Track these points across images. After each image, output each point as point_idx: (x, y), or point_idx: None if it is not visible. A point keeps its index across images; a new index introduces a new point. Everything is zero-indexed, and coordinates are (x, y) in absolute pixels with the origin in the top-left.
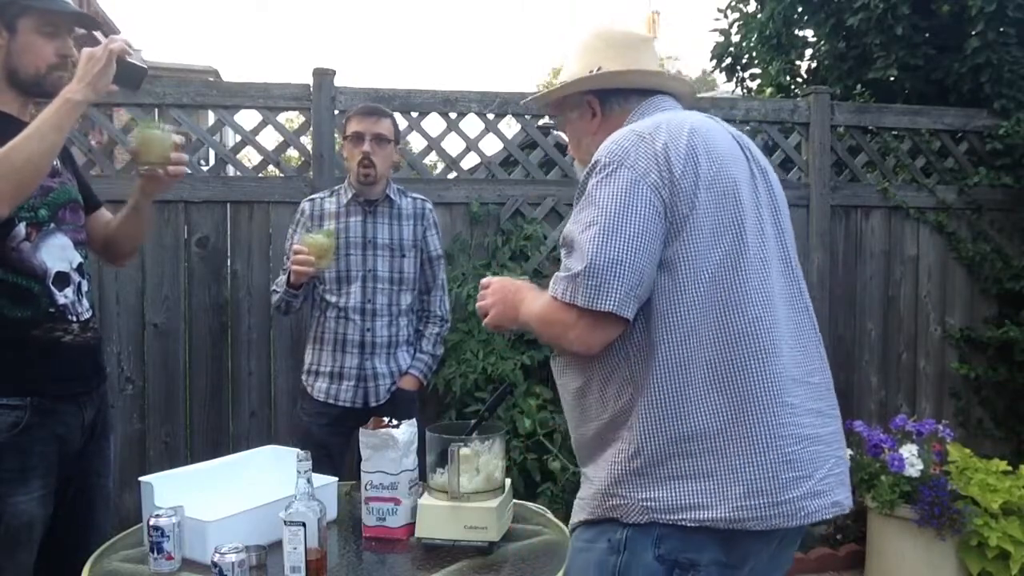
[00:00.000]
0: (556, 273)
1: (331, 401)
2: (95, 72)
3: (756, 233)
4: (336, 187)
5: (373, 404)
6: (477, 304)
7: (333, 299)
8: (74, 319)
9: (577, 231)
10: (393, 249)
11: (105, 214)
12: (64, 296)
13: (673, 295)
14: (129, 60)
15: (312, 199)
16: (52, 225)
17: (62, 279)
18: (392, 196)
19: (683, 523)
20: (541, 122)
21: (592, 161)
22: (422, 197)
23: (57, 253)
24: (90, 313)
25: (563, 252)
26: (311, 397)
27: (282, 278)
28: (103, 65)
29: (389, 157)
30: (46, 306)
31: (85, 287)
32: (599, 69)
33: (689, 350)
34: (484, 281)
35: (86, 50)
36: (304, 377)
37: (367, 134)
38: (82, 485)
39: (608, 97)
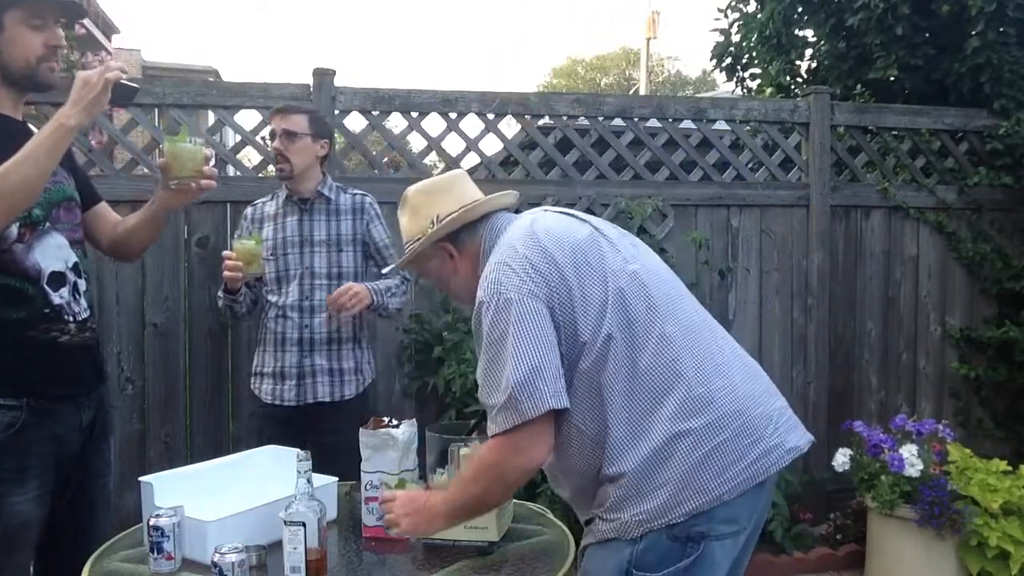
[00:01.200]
0: (490, 418)
1: (277, 402)
2: (90, 98)
3: (623, 271)
4: (276, 191)
5: (311, 400)
6: (386, 518)
7: (274, 299)
8: (71, 319)
9: (492, 370)
10: (330, 245)
11: (109, 212)
12: (59, 296)
13: (597, 357)
14: (122, 81)
15: (255, 204)
16: (47, 224)
17: (57, 279)
18: (327, 193)
19: (675, 521)
20: (541, 122)
21: (478, 302)
22: (362, 192)
23: (52, 253)
24: (88, 313)
25: (484, 391)
26: (260, 400)
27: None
28: (99, 92)
29: (307, 152)
30: (41, 307)
31: (83, 287)
32: (438, 217)
33: (629, 389)
34: (387, 495)
35: (81, 74)
36: (252, 380)
37: (277, 131)
38: (82, 486)
39: (457, 235)
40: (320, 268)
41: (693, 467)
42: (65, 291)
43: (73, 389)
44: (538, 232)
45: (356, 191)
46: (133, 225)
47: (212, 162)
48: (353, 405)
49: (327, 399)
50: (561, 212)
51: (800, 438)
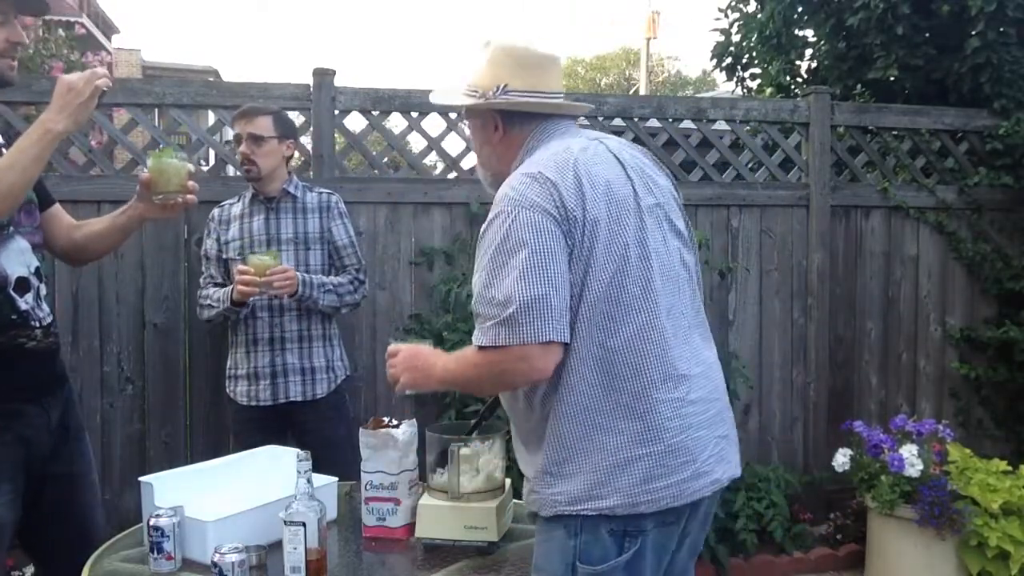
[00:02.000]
0: (480, 325)
1: (253, 403)
2: (76, 104)
3: (639, 249)
4: (243, 192)
5: (283, 400)
6: (388, 371)
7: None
8: (37, 324)
9: (495, 278)
10: (298, 243)
11: (63, 214)
12: (25, 302)
13: (574, 311)
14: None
15: (221, 205)
16: (10, 229)
17: (22, 285)
18: (293, 191)
19: (584, 512)
20: None
21: (495, 211)
22: (328, 191)
23: (16, 258)
24: (51, 318)
25: (481, 302)
26: (235, 403)
27: (215, 292)
28: (85, 99)
29: (274, 154)
30: (8, 313)
31: (44, 291)
32: (505, 87)
33: (589, 360)
34: (392, 348)
35: (65, 79)
36: (226, 383)
37: (243, 134)
38: (69, 488)
39: (511, 117)
40: (288, 267)
41: (615, 466)
42: (30, 296)
43: (40, 393)
44: (581, 172)
45: (322, 190)
46: (98, 231)
47: (192, 177)
48: (327, 402)
49: (299, 398)
50: (614, 157)
51: (724, 471)
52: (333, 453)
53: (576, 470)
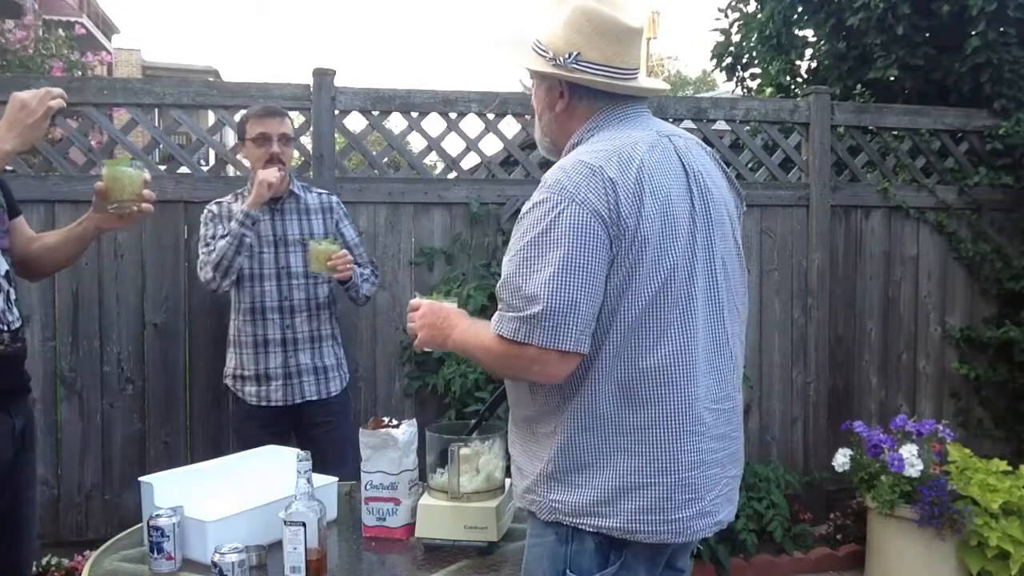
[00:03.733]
0: (501, 311)
1: (263, 404)
2: (28, 124)
3: (686, 268)
4: (238, 190)
5: (298, 400)
6: (408, 325)
7: (248, 300)
8: (5, 328)
9: (526, 269)
10: (305, 243)
11: (24, 226)
12: None
13: (607, 323)
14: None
15: (219, 202)
16: None
17: None
18: (296, 191)
19: (582, 527)
20: None
21: (541, 196)
22: (327, 191)
23: None
24: (19, 323)
25: (507, 288)
26: (242, 401)
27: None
28: (37, 119)
29: (290, 156)
30: None
31: (13, 295)
32: (578, 55)
33: (615, 376)
34: (414, 303)
35: (18, 97)
36: (229, 381)
37: (274, 135)
38: (14, 499)
39: (578, 88)
40: (296, 267)
41: (622, 489)
42: (0, 300)
43: (6, 399)
44: (644, 178)
45: (320, 190)
46: (54, 243)
47: (149, 185)
48: (338, 400)
49: (314, 397)
50: (680, 161)
51: (728, 512)
52: (343, 450)
53: (582, 482)
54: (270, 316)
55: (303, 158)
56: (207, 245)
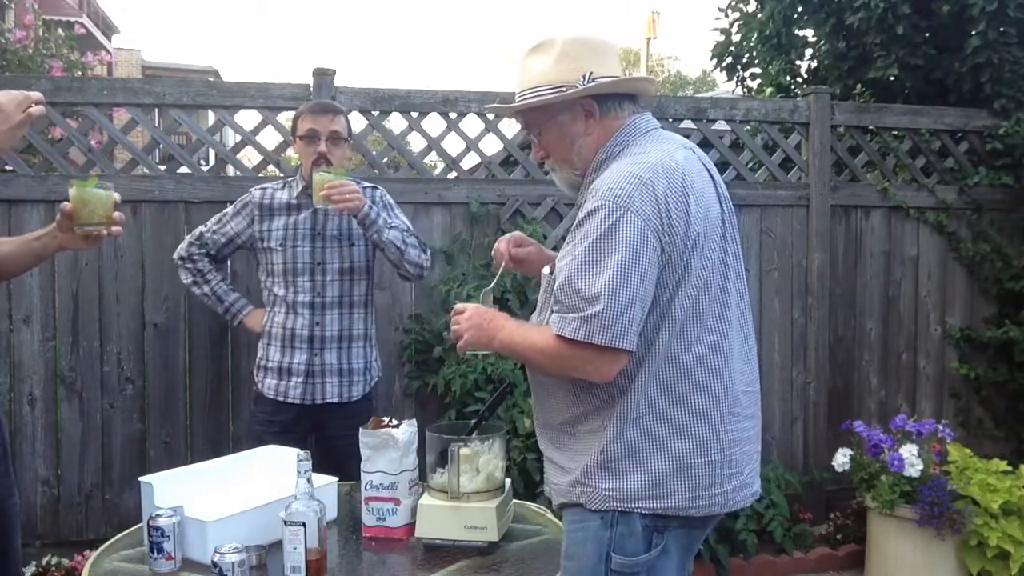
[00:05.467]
0: (560, 313)
1: (280, 399)
2: (3, 130)
3: (721, 266)
4: (288, 179)
5: (319, 401)
6: (452, 328)
7: (281, 292)
8: None
9: (586, 272)
10: (342, 240)
11: None
12: None
13: (657, 322)
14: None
15: (264, 188)
16: None
17: None
18: None
19: (638, 511)
20: None
21: (596, 204)
22: (372, 185)
23: None
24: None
25: (566, 291)
26: (262, 396)
27: (217, 285)
28: (14, 126)
29: (344, 153)
30: None
31: None
32: (591, 74)
33: (664, 370)
34: (459, 307)
35: None
36: (255, 372)
37: (323, 132)
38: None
39: (605, 101)
40: (332, 263)
41: (676, 471)
42: None
43: None
44: (687, 187)
45: (367, 184)
46: (8, 252)
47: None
48: (359, 406)
49: (335, 400)
50: (704, 167)
51: (757, 485)
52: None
53: (634, 469)
54: (300, 311)
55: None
56: (218, 223)
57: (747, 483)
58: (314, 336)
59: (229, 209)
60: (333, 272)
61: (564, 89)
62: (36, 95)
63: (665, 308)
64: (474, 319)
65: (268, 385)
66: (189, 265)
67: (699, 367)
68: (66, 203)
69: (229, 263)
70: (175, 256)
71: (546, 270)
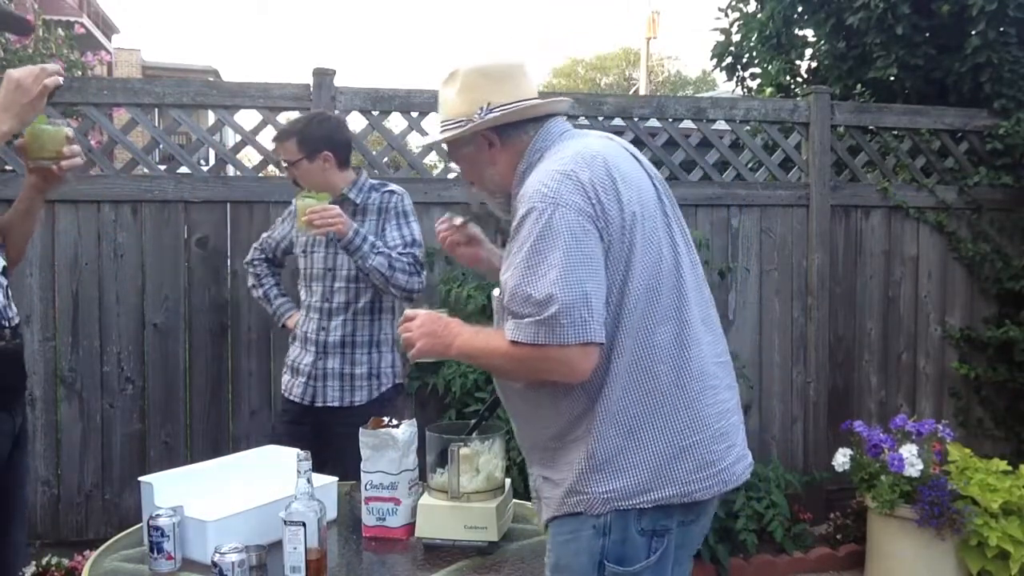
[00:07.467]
0: (513, 320)
1: (287, 395)
2: (23, 103)
3: (669, 242)
4: None
5: (318, 403)
6: (403, 336)
7: (303, 296)
8: (6, 324)
9: (532, 276)
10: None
11: None
12: None
13: (616, 310)
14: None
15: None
16: None
17: None
18: (351, 196)
19: (641, 506)
20: None
21: (527, 208)
22: (391, 189)
23: None
24: (18, 319)
25: (517, 300)
26: (281, 393)
27: (273, 293)
28: (34, 98)
29: (310, 173)
30: None
31: (10, 292)
32: (488, 105)
33: (634, 358)
34: (409, 313)
35: (13, 76)
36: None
37: (282, 160)
38: (6, 497)
39: (505, 128)
40: (342, 270)
41: (670, 457)
42: (0, 295)
43: (8, 396)
44: (611, 169)
45: (388, 189)
46: (7, 220)
47: (74, 142)
48: (366, 410)
49: (336, 403)
50: (628, 151)
51: (750, 455)
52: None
53: (626, 464)
54: (312, 315)
55: None
56: (272, 227)
57: (743, 454)
58: (319, 340)
59: (284, 214)
60: (342, 278)
61: (464, 123)
62: (53, 67)
63: (620, 294)
64: (426, 326)
65: (284, 380)
66: (250, 269)
67: (667, 348)
68: (19, 139)
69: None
70: (244, 261)
71: (496, 292)
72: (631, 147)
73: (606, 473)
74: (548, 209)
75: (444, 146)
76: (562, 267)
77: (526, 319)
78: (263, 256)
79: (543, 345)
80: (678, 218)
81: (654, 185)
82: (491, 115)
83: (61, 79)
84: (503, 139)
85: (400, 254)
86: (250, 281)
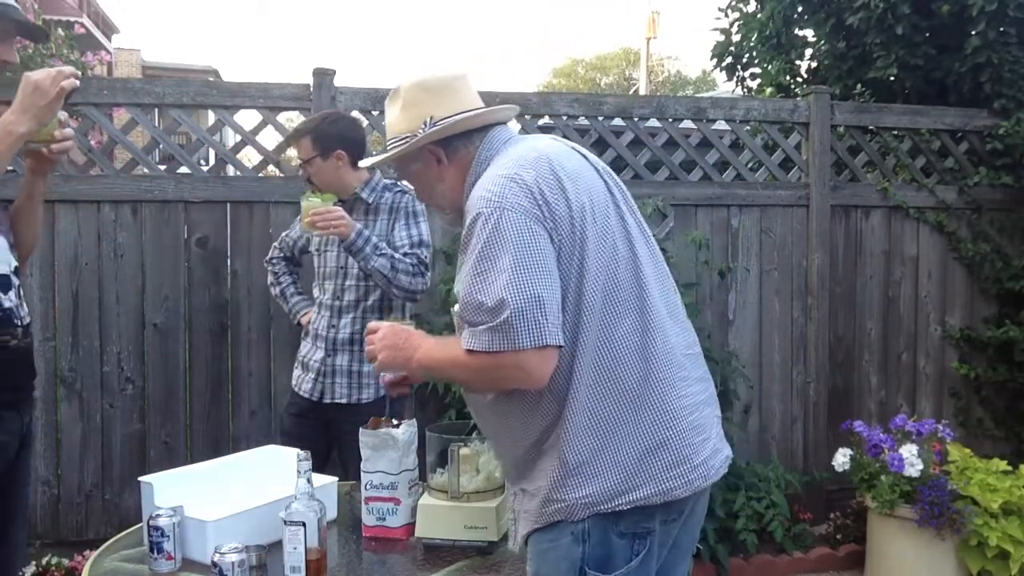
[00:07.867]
0: (468, 329)
1: (296, 390)
2: (41, 105)
3: (623, 233)
4: None
5: (326, 400)
6: (366, 348)
7: (316, 293)
8: (18, 323)
9: (482, 283)
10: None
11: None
12: (8, 300)
13: (575, 309)
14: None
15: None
16: None
17: (5, 283)
18: (363, 195)
19: (620, 508)
20: (541, 122)
21: (473, 215)
22: (403, 189)
23: None
24: (29, 318)
25: (469, 309)
26: (291, 386)
27: (291, 293)
28: (51, 100)
29: (324, 171)
30: None
31: (22, 292)
32: (431, 119)
33: (599, 355)
34: (372, 326)
35: (31, 79)
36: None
37: (296, 158)
38: (6, 495)
39: (450, 142)
40: (353, 268)
41: (644, 454)
42: (12, 295)
43: (18, 395)
44: (556, 167)
45: (400, 188)
46: (15, 208)
47: (66, 125)
48: (372, 408)
49: (343, 400)
50: (574, 149)
51: (727, 448)
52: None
53: (602, 466)
54: (324, 312)
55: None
56: (290, 227)
57: (719, 448)
58: (328, 336)
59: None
60: (353, 277)
61: (408, 138)
62: (69, 69)
63: (578, 292)
64: (388, 339)
65: (295, 376)
66: (269, 267)
67: (631, 341)
68: None
69: (230, 265)
70: (264, 259)
71: (456, 307)
72: (578, 146)
73: (581, 477)
74: (494, 214)
75: (392, 167)
76: (512, 271)
77: (480, 327)
78: (282, 255)
79: (498, 352)
80: (633, 211)
81: (603, 179)
82: (434, 128)
83: (77, 81)
84: (450, 153)
85: (405, 254)
86: (269, 279)
